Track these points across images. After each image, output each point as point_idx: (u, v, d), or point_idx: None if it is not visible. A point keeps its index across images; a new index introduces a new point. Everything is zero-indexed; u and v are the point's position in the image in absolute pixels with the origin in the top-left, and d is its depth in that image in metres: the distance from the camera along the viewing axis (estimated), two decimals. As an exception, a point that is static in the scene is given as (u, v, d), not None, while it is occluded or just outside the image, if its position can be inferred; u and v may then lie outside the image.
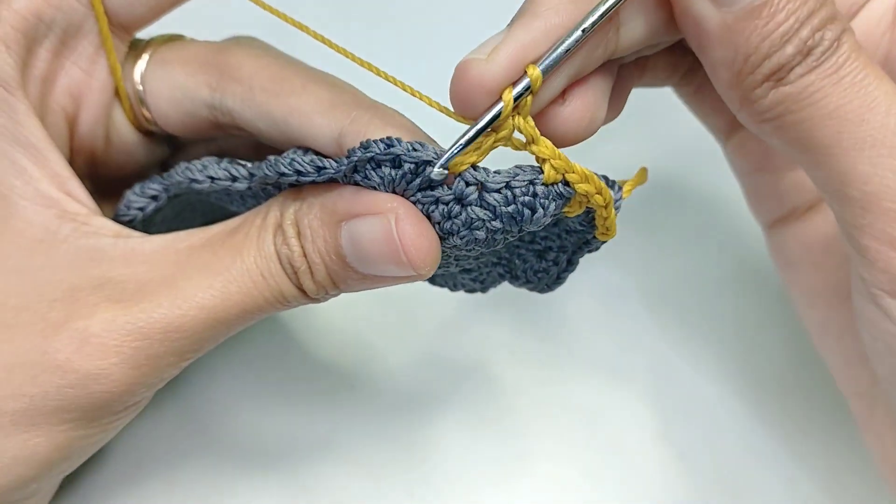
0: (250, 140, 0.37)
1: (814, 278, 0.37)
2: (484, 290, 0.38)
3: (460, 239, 0.29)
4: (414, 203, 0.28)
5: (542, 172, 0.28)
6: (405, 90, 0.30)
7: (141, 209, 0.34)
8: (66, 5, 0.32)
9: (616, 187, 0.31)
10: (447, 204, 0.28)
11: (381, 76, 0.30)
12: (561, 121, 0.29)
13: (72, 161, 0.35)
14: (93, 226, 0.31)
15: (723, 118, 0.38)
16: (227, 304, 0.30)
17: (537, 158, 0.29)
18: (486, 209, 0.28)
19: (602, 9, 0.27)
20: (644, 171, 0.33)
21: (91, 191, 0.37)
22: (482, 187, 0.28)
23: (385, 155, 0.27)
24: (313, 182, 0.30)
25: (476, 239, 0.29)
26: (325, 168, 0.29)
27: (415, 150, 0.28)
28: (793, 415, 0.43)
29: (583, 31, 0.27)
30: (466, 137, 0.28)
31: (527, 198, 0.28)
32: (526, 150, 0.29)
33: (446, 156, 0.28)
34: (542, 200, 0.28)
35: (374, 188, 0.28)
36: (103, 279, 0.30)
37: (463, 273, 0.37)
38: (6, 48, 0.31)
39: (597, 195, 0.29)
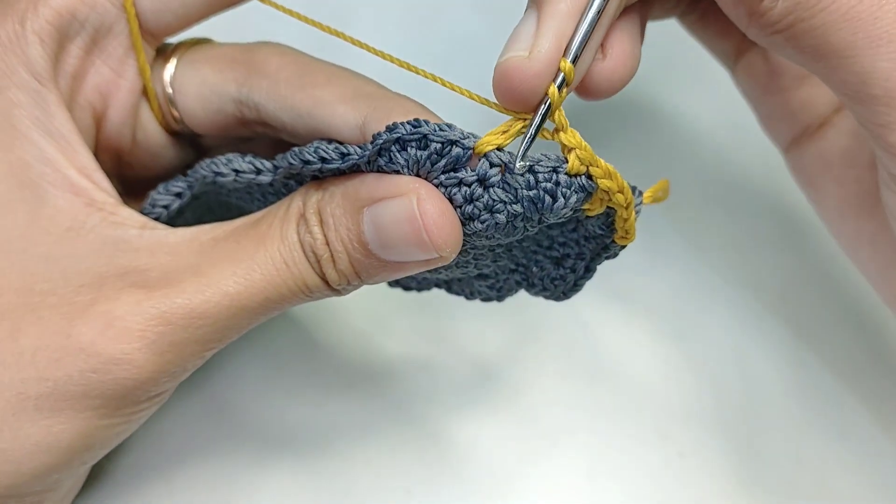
0: (272, 141, 0.37)
1: (839, 192, 0.37)
2: (500, 298, 0.38)
3: (481, 223, 0.29)
4: (437, 186, 0.29)
5: (567, 162, 0.29)
6: (427, 77, 0.31)
7: (165, 207, 0.34)
8: (100, 6, 0.33)
9: (637, 192, 0.31)
10: (469, 185, 0.28)
11: (404, 67, 0.31)
12: (605, 75, 0.30)
13: (98, 157, 0.36)
14: (119, 216, 0.32)
15: (729, 41, 0.39)
16: (250, 292, 0.30)
17: (563, 148, 0.29)
18: (507, 192, 0.28)
19: None
20: (666, 183, 0.34)
21: (119, 190, 0.37)
22: (505, 169, 0.28)
23: (412, 135, 0.28)
24: (337, 170, 0.30)
25: (496, 224, 0.29)
26: (349, 154, 0.29)
27: (442, 129, 0.28)
28: (799, 417, 0.43)
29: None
30: (527, 139, 0.29)
31: (549, 184, 0.28)
32: (553, 138, 0.29)
33: (521, 151, 0.28)
34: (563, 190, 0.28)
35: (398, 172, 0.29)
36: (129, 268, 0.30)
37: (480, 280, 0.37)
38: (40, 41, 0.32)
39: (618, 193, 0.29)
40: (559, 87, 0.28)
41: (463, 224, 0.29)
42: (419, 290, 0.39)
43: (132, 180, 0.38)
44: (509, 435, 0.42)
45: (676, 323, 0.46)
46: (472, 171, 0.28)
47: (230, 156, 0.33)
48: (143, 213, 0.35)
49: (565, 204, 0.28)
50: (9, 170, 0.31)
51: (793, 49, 0.29)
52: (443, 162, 0.28)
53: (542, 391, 0.44)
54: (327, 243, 0.30)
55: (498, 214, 0.28)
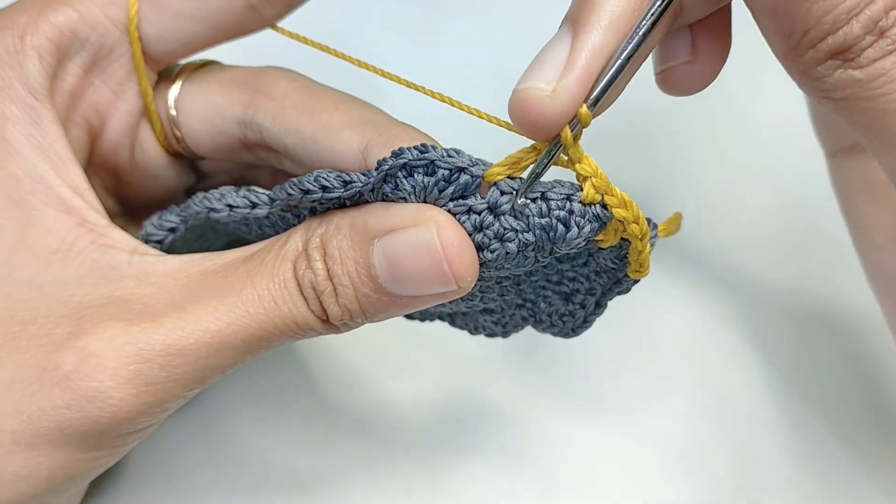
0: (271, 169, 0.37)
1: (874, 216, 0.35)
2: (505, 334, 0.36)
3: (491, 252, 0.27)
4: (449, 211, 0.27)
5: (581, 190, 0.27)
6: (451, 104, 0.30)
7: (159, 241, 0.33)
8: (102, 26, 0.32)
9: (652, 224, 0.30)
10: (479, 213, 0.27)
11: (420, 90, 0.30)
12: (692, 77, 0.30)
13: (95, 176, 0.35)
14: (110, 238, 0.30)
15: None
16: (233, 329, 0.28)
17: (578, 176, 0.28)
18: (519, 220, 0.27)
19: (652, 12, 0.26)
20: (678, 216, 0.32)
21: (118, 211, 0.36)
22: (516, 196, 0.27)
23: (419, 160, 0.27)
24: (338, 199, 0.29)
25: (507, 253, 0.27)
26: (352, 182, 0.28)
27: (450, 155, 0.27)
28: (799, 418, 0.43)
29: (640, 37, 0.26)
30: (531, 179, 0.27)
31: (562, 213, 0.27)
32: (568, 167, 0.28)
33: (523, 189, 0.27)
34: (577, 219, 0.27)
35: (404, 199, 0.28)
36: (112, 297, 0.29)
37: (485, 314, 0.36)
38: (39, 57, 0.31)
39: (634, 224, 0.28)
40: (574, 127, 0.27)
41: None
42: (422, 320, 0.38)
43: (131, 201, 0.37)
44: (509, 434, 0.42)
45: (676, 323, 0.46)
46: (483, 198, 0.27)
47: (224, 190, 0.31)
48: (144, 237, 0.34)
49: (578, 233, 0.27)
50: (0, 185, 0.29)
51: (843, 118, 0.27)
52: (451, 189, 0.27)
53: (541, 393, 0.43)
54: (330, 278, 0.28)
55: (509, 243, 0.27)
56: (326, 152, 0.31)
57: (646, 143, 0.53)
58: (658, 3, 0.25)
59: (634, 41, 0.26)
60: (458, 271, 0.27)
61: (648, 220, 0.29)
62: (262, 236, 0.33)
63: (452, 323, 0.37)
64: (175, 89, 0.35)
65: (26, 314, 0.29)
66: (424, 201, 0.27)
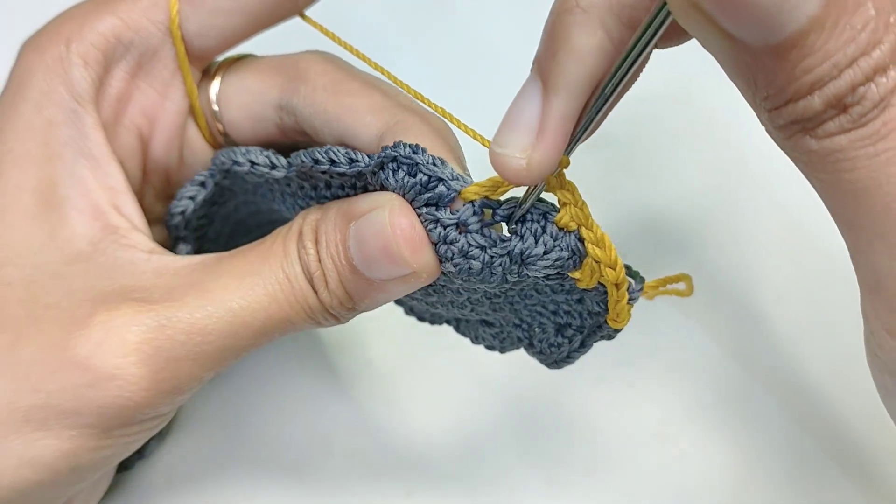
0: None
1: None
2: (502, 349, 0.37)
3: (453, 266, 0.27)
4: (420, 215, 0.28)
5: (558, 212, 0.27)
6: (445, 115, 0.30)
7: (192, 198, 0.35)
8: (145, 30, 0.34)
9: (637, 277, 0.29)
10: (445, 228, 0.27)
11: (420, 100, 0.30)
12: None
13: (146, 183, 0.36)
14: (131, 240, 0.32)
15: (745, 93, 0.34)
16: (253, 308, 0.29)
17: (560, 202, 0.27)
18: (486, 237, 0.27)
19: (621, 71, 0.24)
20: (687, 278, 0.31)
21: (163, 214, 0.38)
22: (492, 215, 0.27)
23: (406, 159, 0.28)
24: (347, 179, 0.30)
25: (471, 269, 0.27)
26: (356, 161, 0.29)
27: (434, 164, 0.28)
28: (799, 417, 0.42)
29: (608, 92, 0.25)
30: (517, 215, 0.28)
31: (536, 225, 0.27)
32: (551, 192, 0.27)
33: (511, 220, 0.28)
34: (546, 239, 0.27)
35: (392, 189, 0.28)
36: (133, 287, 0.30)
37: (485, 326, 0.36)
38: (84, 64, 0.32)
39: (609, 269, 0.27)
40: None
41: (440, 261, 0.28)
42: (432, 322, 0.38)
43: None
44: (509, 434, 0.42)
45: (676, 323, 0.45)
46: (454, 213, 0.27)
47: (251, 147, 0.33)
48: (171, 208, 0.36)
49: (544, 254, 0.27)
50: (36, 186, 0.31)
51: (808, 178, 0.24)
52: (426, 196, 0.28)
53: (541, 392, 0.43)
54: (320, 261, 0.29)
55: (473, 261, 0.27)
56: (349, 134, 0.32)
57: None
58: (630, 56, 0.23)
59: (608, 90, 0.24)
60: (404, 253, 0.27)
61: (631, 270, 0.28)
62: (289, 210, 0.35)
63: (457, 329, 0.38)
64: (216, 84, 0.36)
65: (50, 299, 0.30)
66: (404, 197, 0.28)
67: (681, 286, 0.31)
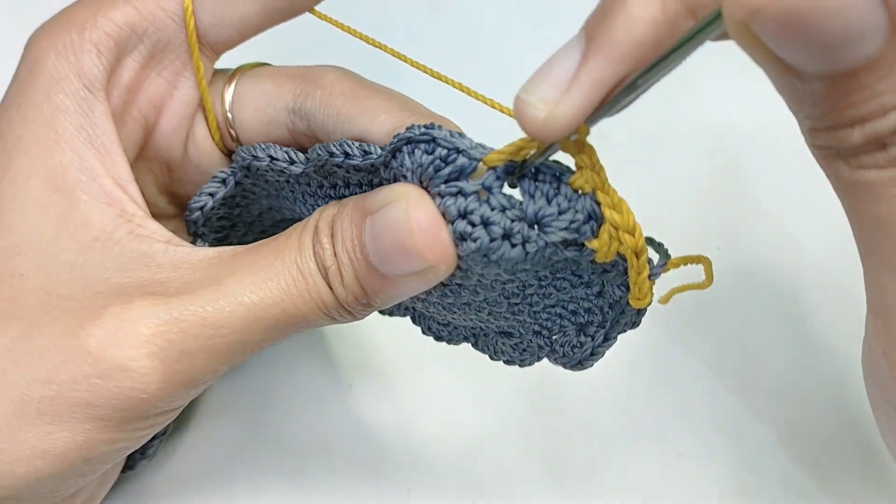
0: None
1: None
2: (522, 362, 0.36)
3: (474, 242, 0.27)
4: (435, 195, 0.28)
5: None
6: (467, 92, 0.30)
7: (211, 194, 0.35)
8: (159, 20, 0.33)
9: (662, 252, 0.28)
10: (467, 197, 0.27)
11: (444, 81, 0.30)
12: None
13: (146, 172, 0.36)
14: (147, 229, 0.31)
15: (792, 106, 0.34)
16: (267, 303, 0.29)
17: (576, 165, 0.27)
18: (506, 197, 0.27)
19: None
20: (707, 263, 0.30)
21: (171, 214, 0.37)
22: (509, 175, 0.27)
23: (422, 136, 0.27)
24: (361, 173, 0.30)
25: (492, 240, 0.26)
26: (370, 153, 0.29)
27: (452, 136, 0.27)
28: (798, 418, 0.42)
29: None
30: (530, 160, 0.27)
31: (548, 187, 0.26)
32: (569, 152, 0.27)
33: (518, 170, 0.27)
34: (560, 200, 0.26)
35: (405, 178, 0.28)
36: (149, 280, 0.30)
37: (503, 337, 0.35)
38: (97, 52, 0.32)
39: (627, 234, 0.26)
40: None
41: (457, 245, 0.28)
42: (449, 342, 0.38)
43: (183, 199, 0.38)
44: (509, 434, 0.42)
45: (677, 322, 0.45)
46: (477, 182, 0.27)
47: (269, 144, 0.34)
48: (191, 204, 0.36)
49: (559, 214, 0.26)
50: (46, 173, 0.31)
51: (846, 207, 0.25)
52: (447, 170, 0.27)
53: (541, 391, 0.43)
54: (335, 255, 0.29)
55: (493, 227, 0.26)
56: (364, 134, 0.32)
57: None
58: (689, 38, 0.23)
59: (651, 73, 0.24)
60: (421, 246, 0.27)
61: (654, 241, 0.28)
62: (308, 209, 0.35)
63: (475, 345, 0.37)
64: (231, 88, 0.36)
65: (65, 291, 0.29)
66: (420, 181, 0.28)
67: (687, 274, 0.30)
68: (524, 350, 0.35)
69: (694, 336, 0.45)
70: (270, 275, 0.29)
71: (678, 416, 0.43)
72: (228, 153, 0.37)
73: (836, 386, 0.44)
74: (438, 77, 0.30)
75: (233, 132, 0.36)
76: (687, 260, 0.29)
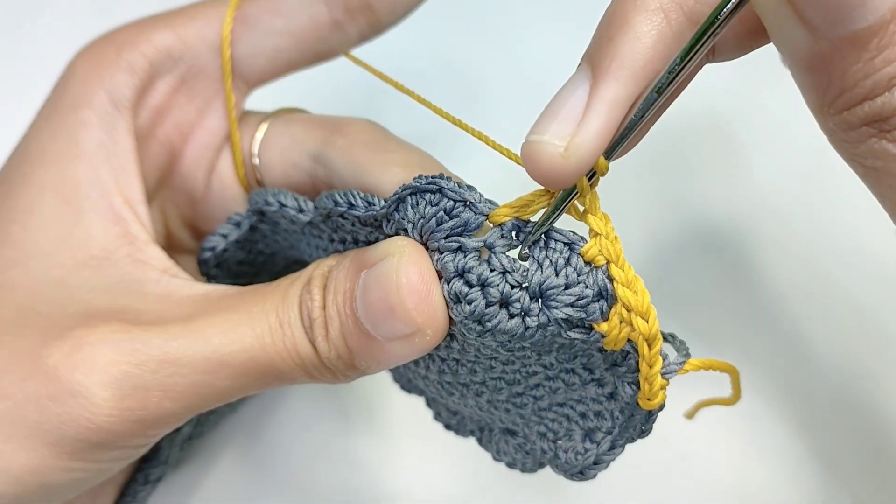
0: None
1: None
2: (523, 468, 0.34)
3: (469, 304, 0.24)
4: (434, 251, 0.25)
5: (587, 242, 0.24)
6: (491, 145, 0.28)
7: (224, 235, 0.34)
8: (196, 47, 0.34)
9: (683, 349, 0.26)
10: (466, 254, 0.24)
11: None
12: None
13: (170, 203, 0.36)
14: (146, 254, 0.31)
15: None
16: (235, 347, 0.27)
17: (590, 231, 0.24)
18: (509, 259, 0.24)
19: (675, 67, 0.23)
20: (735, 374, 0.27)
21: (193, 248, 0.37)
22: (521, 240, 0.25)
23: (429, 185, 0.25)
24: (361, 220, 0.28)
25: (488, 305, 0.24)
26: (373, 204, 0.27)
27: (460, 188, 0.25)
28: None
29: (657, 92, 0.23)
30: (537, 229, 0.25)
31: (559, 257, 0.24)
32: (581, 219, 0.25)
33: (530, 238, 0.25)
34: (569, 272, 0.24)
35: (405, 231, 0.26)
36: (130, 308, 0.29)
37: (507, 436, 0.33)
38: (130, 71, 0.32)
39: (639, 319, 0.23)
40: (591, 176, 0.24)
41: (450, 307, 0.25)
42: (457, 433, 0.36)
43: (206, 234, 0.37)
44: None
45: (678, 321, 0.43)
46: (480, 240, 0.25)
47: (282, 190, 0.32)
48: (204, 244, 0.35)
49: (565, 287, 0.24)
50: (59, 184, 0.31)
51: (869, 186, 0.23)
52: (449, 224, 0.25)
53: None
54: (324, 307, 0.27)
55: (491, 289, 0.24)
56: (377, 186, 0.30)
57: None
58: (690, 48, 0.22)
59: (661, 90, 0.22)
60: (409, 306, 0.25)
61: (675, 338, 0.26)
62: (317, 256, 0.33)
63: (480, 441, 0.35)
64: (264, 126, 0.35)
65: (44, 308, 0.29)
66: (421, 235, 0.26)
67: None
68: (527, 452, 0.33)
69: (694, 335, 0.43)
70: (244, 318, 0.27)
71: (681, 418, 0.40)
72: (248, 189, 0.36)
73: (844, 387, 0.42)
74: (458, 124, 0.29)
75: (258, 176, 0.35)
76: (710, 365, 0.26)
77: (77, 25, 0.55)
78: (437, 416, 0.36)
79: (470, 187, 0.25)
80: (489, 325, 0.24)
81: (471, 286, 0.24)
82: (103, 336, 0.27)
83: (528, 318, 0.24)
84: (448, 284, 0.25)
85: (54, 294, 0.29)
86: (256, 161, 0.35)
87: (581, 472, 0.30)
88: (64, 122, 0.32)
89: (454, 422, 0.36)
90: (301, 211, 0.31)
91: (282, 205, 0.31)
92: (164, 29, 0.33)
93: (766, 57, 0.27)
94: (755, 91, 0.50)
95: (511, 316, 0.24)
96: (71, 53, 0.33)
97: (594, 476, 0.30)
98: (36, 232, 0.30)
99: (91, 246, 0.30)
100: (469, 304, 0.24)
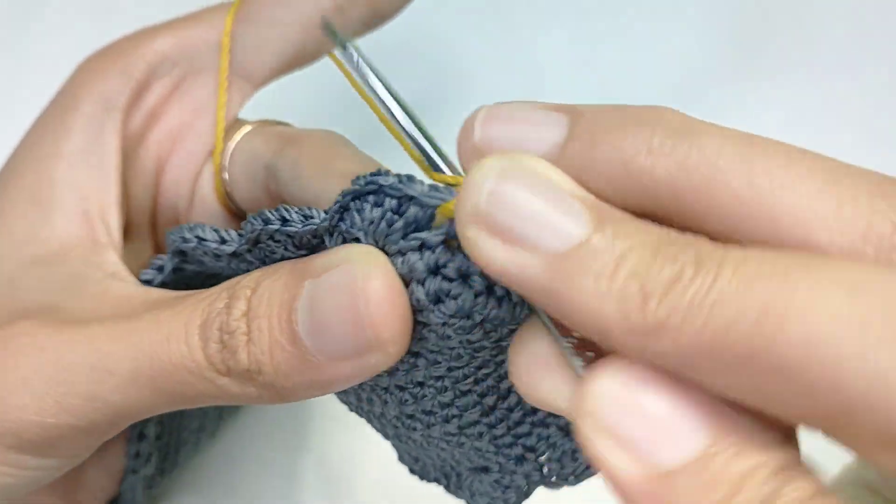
0: None
1: None
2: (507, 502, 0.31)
3: (453, 300, 0.22)
4: (396, 254, 0.22)
5: None
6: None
7: (148, 281, 0.31)
8: (194, 47, 0.33)
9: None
10: (434, 249, 0.21)
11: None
12: None
13: (160, 215, 0.35)
14: (101, 257, 0.30)
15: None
16: (120, 355, 0.25)
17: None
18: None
19: None
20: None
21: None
22: None
23: (368, 186, 0.22)
24: (297, 236, 0.24)
25: (476, 296, 0.22)
26: (311, 217, 0.24)
27: (400, 182, 0.22)
28: None
29: None
30: None
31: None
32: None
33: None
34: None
35: (357, 241, 0.23)
36: (66, 306, 0.28)
37: (481, 473, 0.31)
38: (127, 74, 0.32)
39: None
40: None
41: (429, 309, 0.22)
42: (421, 477, 0.34)
43: None
44: None
45: None
46: (440, 232, 0.22)
47: (199, 223, 0.29)
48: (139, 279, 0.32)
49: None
50: (32, 182, 0.31)
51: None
52: (401, 223, 0.22)
53: None
54: (249, 318, 0.24)
55: (475, 278, 0.21)
56: (318, 198, 0.28)
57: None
58: None
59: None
60: (376, 321, 0.22)
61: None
62: None
63: (448, 488, 0.33)
64: (236, 139, 0.34)
65: None
66: (376, 242, 0.22)
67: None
68: (507, 487, 0.30)
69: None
70: (140, 326, 0.25)
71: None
72: (226, 208, 0.35)
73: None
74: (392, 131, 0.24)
75: (227, 186, 0.34)
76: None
77: (77, 27, 0.56)
78: (401, 459, 0.33)
79: (409, 178, 0.22)
80: (479, 316, 0.22)
81: (451, 280, 0.22)
82: (18, 330, 0.26)
83: (513, 295, 0.22)
84: (422, 286, 0.22)
85: (2, 292, 0.29)
86: (226, 175, 0.34)
87: (575, 476, 0.29)
88: (52, 124, 0.32)
89: (417, 467, 0.33)
90: (223, 242, 0.27)
91: (200, 239, 0.28)
92: (166, 33, 0.33)
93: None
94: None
95: (499, 300, 0.22)
96: (71, 56, 0.33)
97: (595, 473, 0.28)
98: (6, 231, 0.30)
99: (49, 247, 0.30)
100: (454, 298, 0.22)
